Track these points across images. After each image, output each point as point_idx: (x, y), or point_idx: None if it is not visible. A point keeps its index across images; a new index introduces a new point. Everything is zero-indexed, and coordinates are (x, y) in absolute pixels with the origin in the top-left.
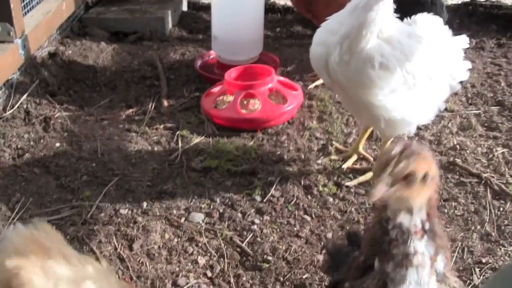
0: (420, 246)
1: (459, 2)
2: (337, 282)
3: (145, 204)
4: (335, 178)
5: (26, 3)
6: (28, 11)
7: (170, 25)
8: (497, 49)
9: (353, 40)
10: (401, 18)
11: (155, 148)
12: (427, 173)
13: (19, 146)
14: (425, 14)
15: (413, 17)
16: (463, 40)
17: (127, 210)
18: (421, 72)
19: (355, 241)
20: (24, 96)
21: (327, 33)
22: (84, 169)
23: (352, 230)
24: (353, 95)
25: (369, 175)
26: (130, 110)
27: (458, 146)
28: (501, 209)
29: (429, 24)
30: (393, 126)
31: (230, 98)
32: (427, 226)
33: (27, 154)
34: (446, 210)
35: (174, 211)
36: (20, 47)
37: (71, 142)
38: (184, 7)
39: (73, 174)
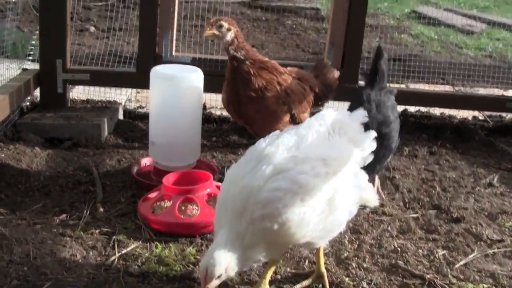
0: None
1: None
2: None
3: None
4: (277, 283)
5: None
6: None
7: (106, 132)
8: (430, 157)
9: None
10: None
11: (91, 253)
12: None
13: None
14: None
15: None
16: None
17: None
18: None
19: None
20: None
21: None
22: (14, 273)
23: None
24: None
25: (313, 277)
26: (64, 215)
27: (399, 249)
28: None
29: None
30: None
31: (168, 203)
32: None
33: None
34: None
35: None
36: None
37: (1, 245)
38: (120, 116)
39: (2, 279)
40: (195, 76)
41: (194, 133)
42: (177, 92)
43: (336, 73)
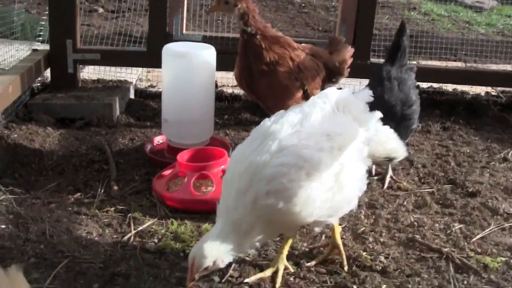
0: None
1: None
2: None
3: (97, 285)
4: (294, 258)
5: None
6: None
7: (117, 112)
8: (443, 132)
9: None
10: None
11: (106, 230)
12: None
13: None
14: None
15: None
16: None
17: None
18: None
19: None
20: None
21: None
22: (31, 251)
23: None
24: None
25: (328, 249)
26: (79, 194)
27: (415, 223)
28: (465, 282)
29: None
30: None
31: (183, 180)
32: None
33: None
34: (410, 286)
35: None
36: None
37: (17, 224)
38: (132, 95)
39: (19, 257)
40: (208, 53)
41: (207, 110)
42: (190, 69)
43: (351, 50)
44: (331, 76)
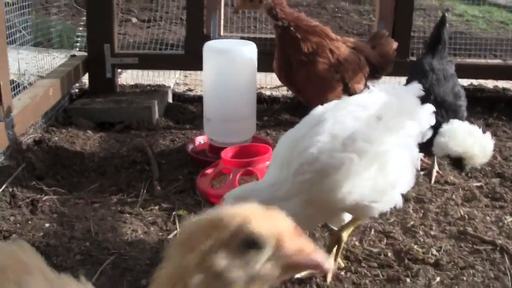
0: None
1: None
2: None
3: (144, 281)
4: (344, 252)
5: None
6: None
7: (157, 115)
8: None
9: None
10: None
11: (152, 228)
12: None
13: (5, 228)
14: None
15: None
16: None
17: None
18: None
19: None
20: (10, 179)
21: None
22: (77, 249)
23: None
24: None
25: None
26: (122, 194)
27: (466, 216)
28: None
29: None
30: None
31: (227, 177)
32: None
33: (13, 235)
34: (465, 278)
35: None
36: (7, 127)
37: (61, 222)
38: (170, 99)
39: (65, 254)
40: (249, 49)
41: (250, 107)
42: (231, 66)
43: (394, 44)
44: (374, 71)
